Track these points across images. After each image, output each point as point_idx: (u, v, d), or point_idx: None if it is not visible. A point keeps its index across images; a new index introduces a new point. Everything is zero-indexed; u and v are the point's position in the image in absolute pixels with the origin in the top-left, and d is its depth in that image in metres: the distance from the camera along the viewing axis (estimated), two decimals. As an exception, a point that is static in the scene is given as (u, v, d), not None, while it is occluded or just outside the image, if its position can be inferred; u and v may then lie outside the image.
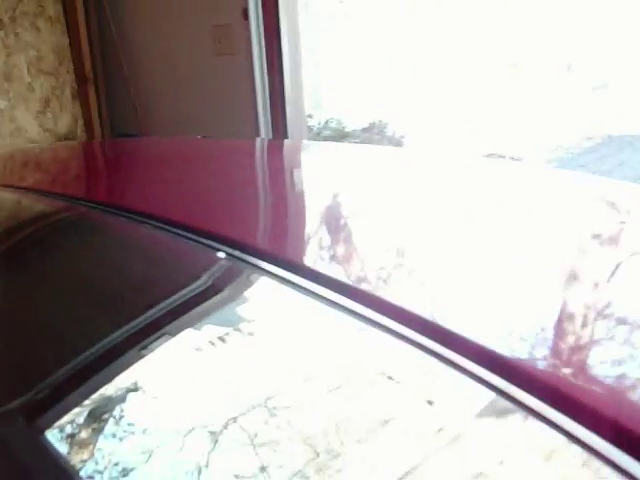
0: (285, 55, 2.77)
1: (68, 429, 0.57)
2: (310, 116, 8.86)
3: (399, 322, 0.59)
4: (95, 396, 0.60)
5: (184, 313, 0.71)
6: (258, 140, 2.53)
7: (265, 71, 2.90)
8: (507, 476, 0.46)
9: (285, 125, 2.90)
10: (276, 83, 2.86)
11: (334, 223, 0.95)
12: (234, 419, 0.54)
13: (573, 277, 0.72)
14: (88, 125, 4.06)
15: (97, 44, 3.90)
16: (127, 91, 3.78)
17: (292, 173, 1.36)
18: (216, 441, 0.52)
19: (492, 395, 0.50)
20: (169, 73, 3.54)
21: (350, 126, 8.20)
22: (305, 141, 2.83)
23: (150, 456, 0.52)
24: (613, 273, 0.71)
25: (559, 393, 0.50)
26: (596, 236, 0.83)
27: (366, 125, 8.30)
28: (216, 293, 0.75)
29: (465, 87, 10.02)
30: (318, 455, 0.49)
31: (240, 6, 2.89)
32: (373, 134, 7.91)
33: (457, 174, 1.18)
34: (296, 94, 2.95)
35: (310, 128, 7.66)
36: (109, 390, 0.61)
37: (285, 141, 2.67)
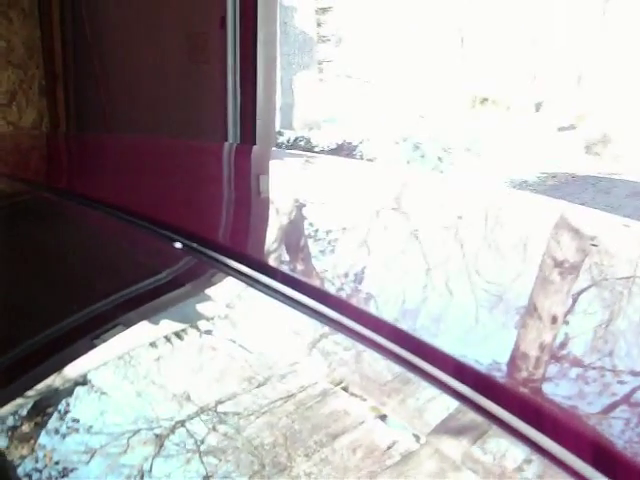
0: (260, 67, 2.77)
1: (10, 421, 0.55)
2: (280, 133, 8.88)
3: (356, 321, 0.59)
4: (41, 387, 0.58)
5: (140, 305, 0.69)
6: (225, 144, 2.53)
7: (238, 82, 2.89)
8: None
9: (254, 137, 2.89)
10: (248, 95, 2.85)
11: (293, 223, 0.95)
12: (182, 422, 0.52)
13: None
14: (53, 122, 4.00)
15: (70, 42, 3.85)
16: (97, 92, 3.74)
17: (256, 175, 1.37)
18: (161, 445, 0.50)
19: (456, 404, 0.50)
20: (141, 77, 3.51)
21: (319, 146, 8.23)
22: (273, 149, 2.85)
23: (92, 456, 0.50)
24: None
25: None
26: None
27: (334, 146, 8.34)
28: (175, 287, 0.74)
29: (434, 116, 10.16)
30: (264, 467, 0.48)
31: (218, 15, 2.88)
32: (341, 155, 7.96)
33: (417, 188, 1.20)
34: (267, 108, 2.95)
35: (279, 145, 7.67)
36: (56, 382, 0.59)
37: (253, 147, 2.68)
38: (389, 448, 0.49)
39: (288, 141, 8.38)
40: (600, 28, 10.90)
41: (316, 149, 7.98)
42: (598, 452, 0.44)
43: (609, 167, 9.56)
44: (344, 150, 8.04)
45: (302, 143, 8.22)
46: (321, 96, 9.93)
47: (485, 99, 14.10)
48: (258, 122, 2.92)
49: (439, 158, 8.47)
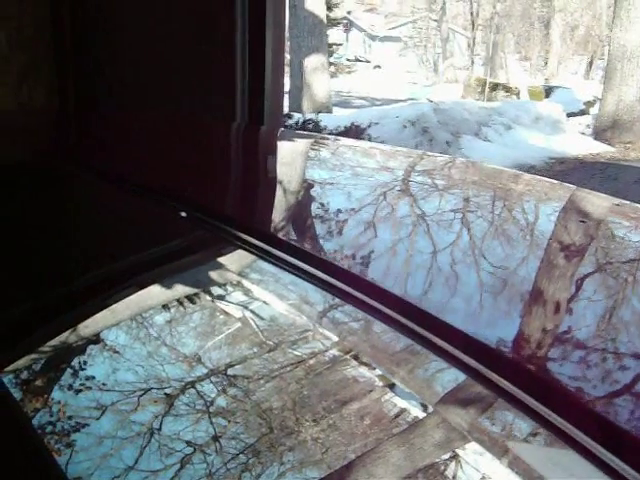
0: (268, 49, 2.76)
1: (24, 375, 0.56)
2: (289, 116, 8.87)
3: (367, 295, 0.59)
4: (55, 343, 0.59)
5: (153, 269, 0.70)
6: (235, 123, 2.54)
7: (246, 63, 2.88)
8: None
9: (262, 118, 2.88)
10: (256, 76, 2.84)
11: (304, 198, 0.96)
12: (192, 384, 0.53)
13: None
14: (64, 102, 4.00)
15: (80, 22, 3.84)
16: (105, 72, 3.73)
17: (264, 154, 1.38)
18: (171, 404, 0.51)
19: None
20: (149, 57, 3.51)
21: (327, 128, 8.22)
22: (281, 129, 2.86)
23: (103, 413, 0.51)
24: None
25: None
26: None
27: (342, 129, 8.33)
28: (188, 254, 0.75)
29: (443, 100, 10.10)
30: (272, 430, 0.49)
31: (227, -5, 2.87)
32: (349, 137, 7.94)
33: (426, 167, 1.20)
34: (275, 89, 2.94)
35: (288, 127, 7.67)
36: (70, 339, 0.60)
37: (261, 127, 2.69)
38: (397, 416, 0.50)
39: (297, 123, 8.35)
40: (612, 13, 10.80)
41: (324, 132, 7.96)
42: (605, 429, 0.44)
43: (618, 153, 9.52)
44: (352, 133, 8.02)
45: (310, 126, 8.20)
46: (330, 79, 9.88)
47: (496, 85, 14.02)
48: (266, 103, 2.91)
49: (447, 142, 8.43)
